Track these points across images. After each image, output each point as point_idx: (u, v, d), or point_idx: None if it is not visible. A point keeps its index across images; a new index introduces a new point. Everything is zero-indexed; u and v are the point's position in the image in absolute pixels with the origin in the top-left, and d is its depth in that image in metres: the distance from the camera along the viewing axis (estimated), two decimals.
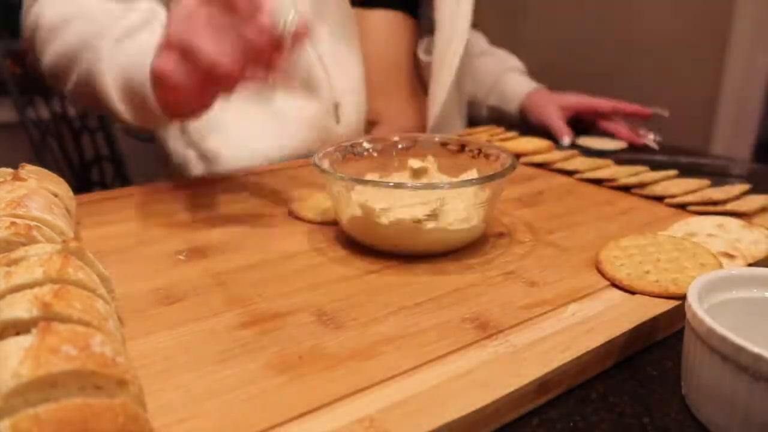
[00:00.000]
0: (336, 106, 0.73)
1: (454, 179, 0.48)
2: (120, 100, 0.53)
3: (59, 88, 0.61)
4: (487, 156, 0.50)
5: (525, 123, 0.87)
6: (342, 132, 0.74)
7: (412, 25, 0.82)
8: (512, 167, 0.45)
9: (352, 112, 0.73)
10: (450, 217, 0.42)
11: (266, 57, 0.42)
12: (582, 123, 0.86)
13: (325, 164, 0.46)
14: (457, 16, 0.79)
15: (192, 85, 0.44)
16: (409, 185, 0.43)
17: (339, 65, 0.71)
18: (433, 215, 0.42)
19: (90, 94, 0.55)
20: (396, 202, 0.42)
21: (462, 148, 0.52)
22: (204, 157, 0.71)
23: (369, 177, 0.50)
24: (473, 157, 0.51)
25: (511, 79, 0.91)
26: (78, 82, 0.56)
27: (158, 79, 0.46)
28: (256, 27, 0.41)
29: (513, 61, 0.96)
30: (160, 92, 0.48)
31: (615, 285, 0.39)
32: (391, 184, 0.43)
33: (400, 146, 0.53)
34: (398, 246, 0.43)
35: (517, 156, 0.69)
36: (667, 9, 2.06)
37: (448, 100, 0.81)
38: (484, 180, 0.43)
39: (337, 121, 0.73)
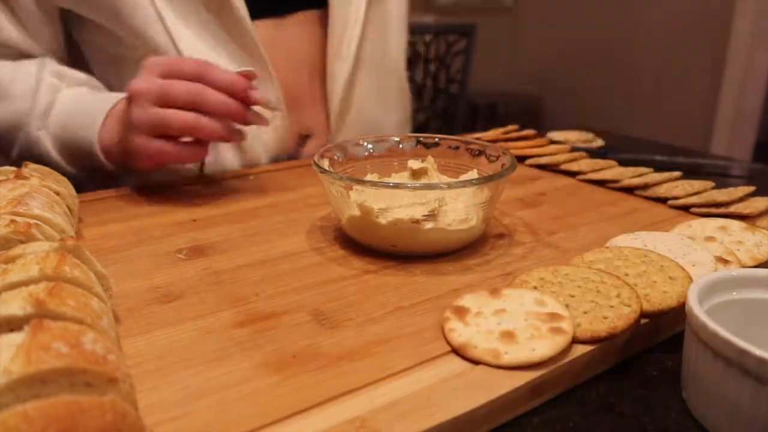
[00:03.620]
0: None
1: (453, 179, 0.48)
2: (68, 164, 0.62)
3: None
4: (487, 156, 0.50)
5: None
6: (273, 144, 0.69)
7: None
8: (512, 168, 0.44)
9: (278, 127, 0.69)
10: (449, 218, 0.42)
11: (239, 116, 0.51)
12: None
13: (325, 164, 0.46)
14: (350, 3, 0.71)
15: (173, 150, 0.52)
16: (407, 185, 0.43)
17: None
18: (432, 215, 0.42)
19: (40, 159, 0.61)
20: (395, 203, 0.42)
21: (463, 148, 0.52)
22: None
23: (368, 177, 0.50)
24: (473, 157, 0.51)
25: None
26: (21, 154, 0.62)
27: (138, 153, 0.53)
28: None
29: None
30: (139, 162, 0.54)
31: None
32: (390, 184, 0.42)
33: (400, 146, 0.53)
34: (396, 246, 0.43)
35: (524, 157, 0.69)
36: (667, 9, 2.06)
37: (353, 97, 0.73)
38: (483, 180, 0.42)
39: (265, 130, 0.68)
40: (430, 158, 0.50)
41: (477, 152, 0.51)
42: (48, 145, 0.61)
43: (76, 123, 0.59)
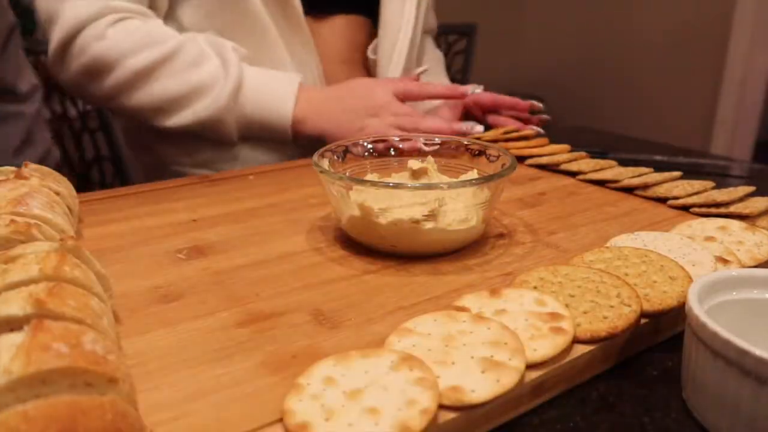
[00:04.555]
0: None
1: (453, 179, 0.48)
2: (236, 135, 0.72)
3: (156, 123, 0.72)
4: (487, 156, 0.50)
5: None
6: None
7: (367, 26, 0.87)
8: (512, 168, 0.44)
9: None
10: (449, 218, 0.42)
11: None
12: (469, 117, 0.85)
13: (325, 164, 0.46)
14: (402, 17, 0.84)
15: None
16: (407, 185, 0.43)
17: (300, 64, 0.78)
18: (432, 216, 0.42)
19: (200, 128, 0.71)
20: (395, 203, 0.42)
21: (463, 148, 0.52)
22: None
23: (368, 177, 0.50)
24: (473, 157, 0.51)
25: None
26: (194, 122, 0.70)
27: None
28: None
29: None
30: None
31: None
32: (390, 184, 0.42)
33: (400, 146, 0.53)
34: (396, 246, 0.43)
35: (524, 157, 0.69)
36: (667, 9, 2.06)
37: None
38: (482, 180, 0.42)
39: None
40: (430, 158, 0.50)
41: (477, 152, 0.51)
42: (231, 121, 0.70)
43: (266, 107, 0.70)
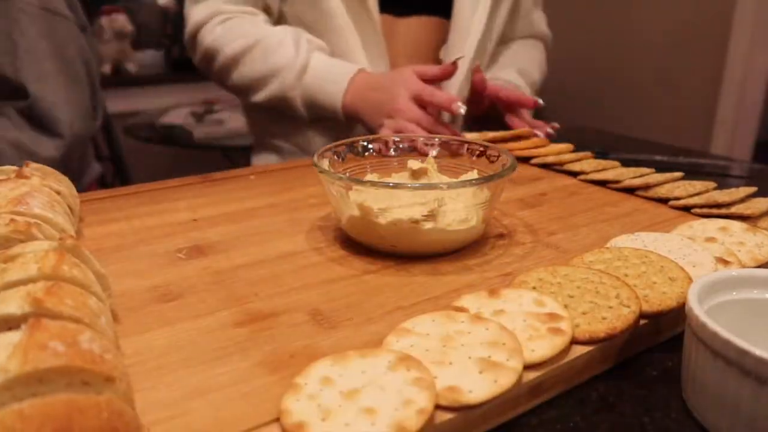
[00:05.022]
0: None
1: (453, 179, 0.48)
2: (305, 112, 0.82)
3: (244, 99, 0.89)
4: (487, 156, 0.50)
5: None
6: None
7: (444, 28, 0.89)
8: (512, 168, 0.44)
9: None
10: (449, 218, 0.42)
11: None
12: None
13: (324, 164, 0.46)
14: (473, 19, 0.86)
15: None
16: (407, 185, 0.43)
17: (371, 61, 0.85)
18: (431, 216, 0.42)
19: (278, 105, 0.83)
20: (394, 203, 0.42)
21: (463, 148, 0.52)
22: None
23: (368, 177, 0.50)
24: (474, 157, 0.51)
25: None
26: (270, 98, 0.82)
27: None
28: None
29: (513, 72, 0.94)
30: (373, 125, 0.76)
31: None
32: (390, 184, 0.42)
33: (400, 146, 0.53)
34: (396, 246, 0.43)
35: (528, 158, 0.68)
36: (667, 9, 2.05)
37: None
38: (482, 180, 0.42)
39: None
40: (430, 158, 0.50)
41: (477, 152, 0.51)
42: (297, 100, 0.81)
43: (324, 90, 0.79)
